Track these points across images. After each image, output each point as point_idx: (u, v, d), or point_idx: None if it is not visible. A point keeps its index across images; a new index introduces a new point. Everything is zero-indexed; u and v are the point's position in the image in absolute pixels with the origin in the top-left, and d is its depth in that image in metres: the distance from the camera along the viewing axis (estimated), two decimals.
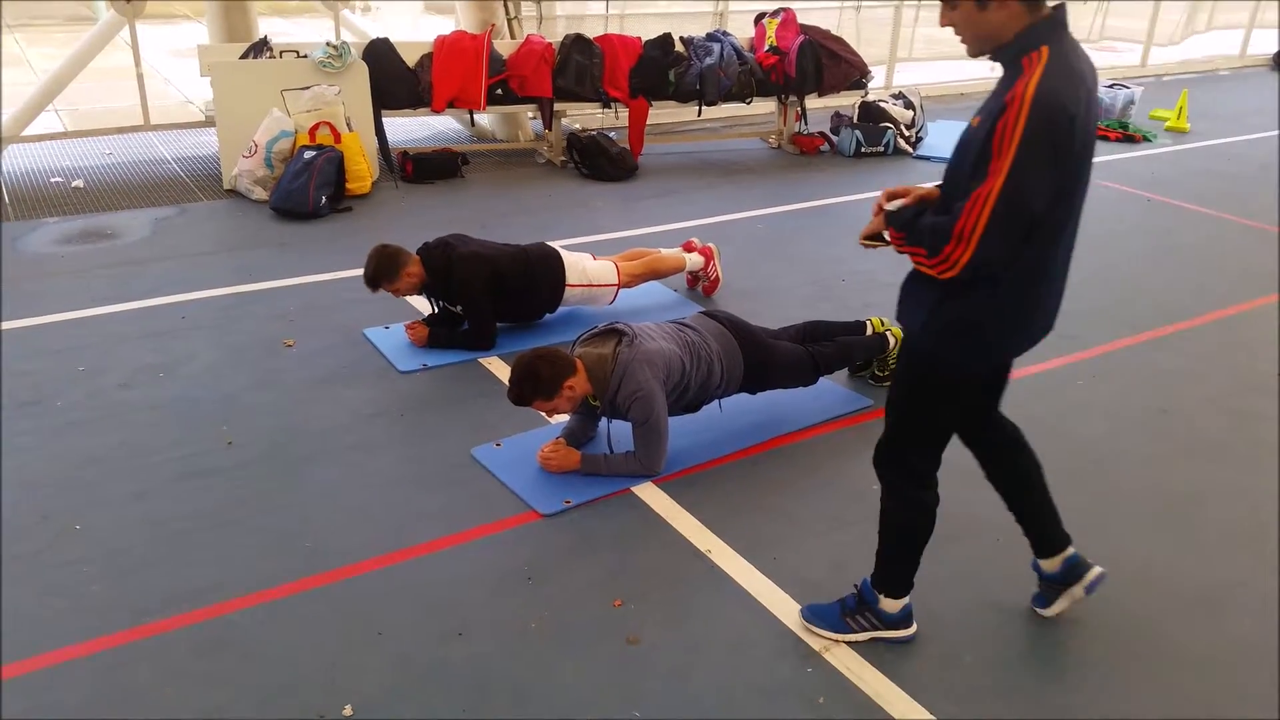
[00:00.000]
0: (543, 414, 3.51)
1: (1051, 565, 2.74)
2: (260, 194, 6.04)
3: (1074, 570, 2.72)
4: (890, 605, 2.63)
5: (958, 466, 3.46)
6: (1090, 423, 3.85)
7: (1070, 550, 2.74)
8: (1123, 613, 2.82)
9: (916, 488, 2.55)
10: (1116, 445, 3.71)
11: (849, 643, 2.65)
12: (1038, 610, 2.79)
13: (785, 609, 2.76)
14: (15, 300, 4.57)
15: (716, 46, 7.30)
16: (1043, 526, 2.75)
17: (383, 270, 4.11)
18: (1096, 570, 2.72)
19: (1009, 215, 2.05)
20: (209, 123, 6.58)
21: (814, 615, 2.69)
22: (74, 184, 6.31)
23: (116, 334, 4.27)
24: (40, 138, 6.77)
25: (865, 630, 2.64)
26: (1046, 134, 2.00)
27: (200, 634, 2.63)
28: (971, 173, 2.10)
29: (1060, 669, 2.63)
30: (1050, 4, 2.12)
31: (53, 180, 6.38)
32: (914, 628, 2.69)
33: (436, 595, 2.78)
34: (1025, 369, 4.21)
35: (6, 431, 3.52)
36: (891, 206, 2.38)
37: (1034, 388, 4.08)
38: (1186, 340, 4.60)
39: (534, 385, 3.15)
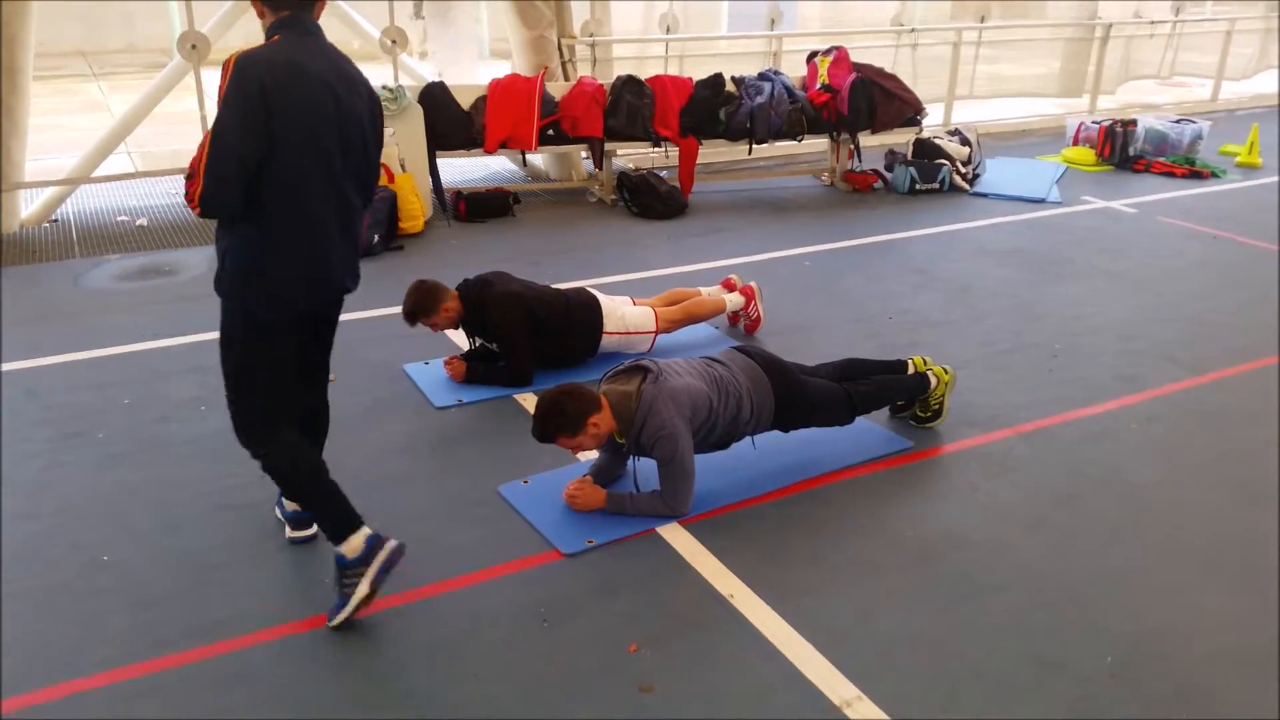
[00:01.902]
0: (569, 451, 3.47)
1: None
2: None
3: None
4: (352, 547, 2.72)
5: (999, 510, 3.35)
6: (1147, 469, 3.67)
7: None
8: (1170, 671, 2.65)
9: (270, 443, 2.82)
10: (1173, 493, 3.53)
11: (362, 602, 2.70)
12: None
13: (808, 660, 2.65)
14: (72, 335, 4.69)
15: (767, 85, 7.28)
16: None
17: (421, 305, 4.13)
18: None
19: (216, 153, 2.49)
20: None
21: (334, 612, 2.73)
22: (138, 222, 6.52)
23: (163, 369, 4.36)
24: (109, 178, 7.02)
25: (360, 581, 2.71)
26: (237, 90, 2.49)
27: (215, 669, 2.62)
28: None
29: None
30: (288, 11, 2.63)
31: (119, 219, 6.60)
32: (391, 543, 2.74)
33: (452, 635, 2.74)
34: (1077, 411, 4.06)
35: (49, 463, 3.60)
36: None
37: (1087, 431, 3.91)
38: (1249, 382, 4.38)
39: (557, 422, 3.11)
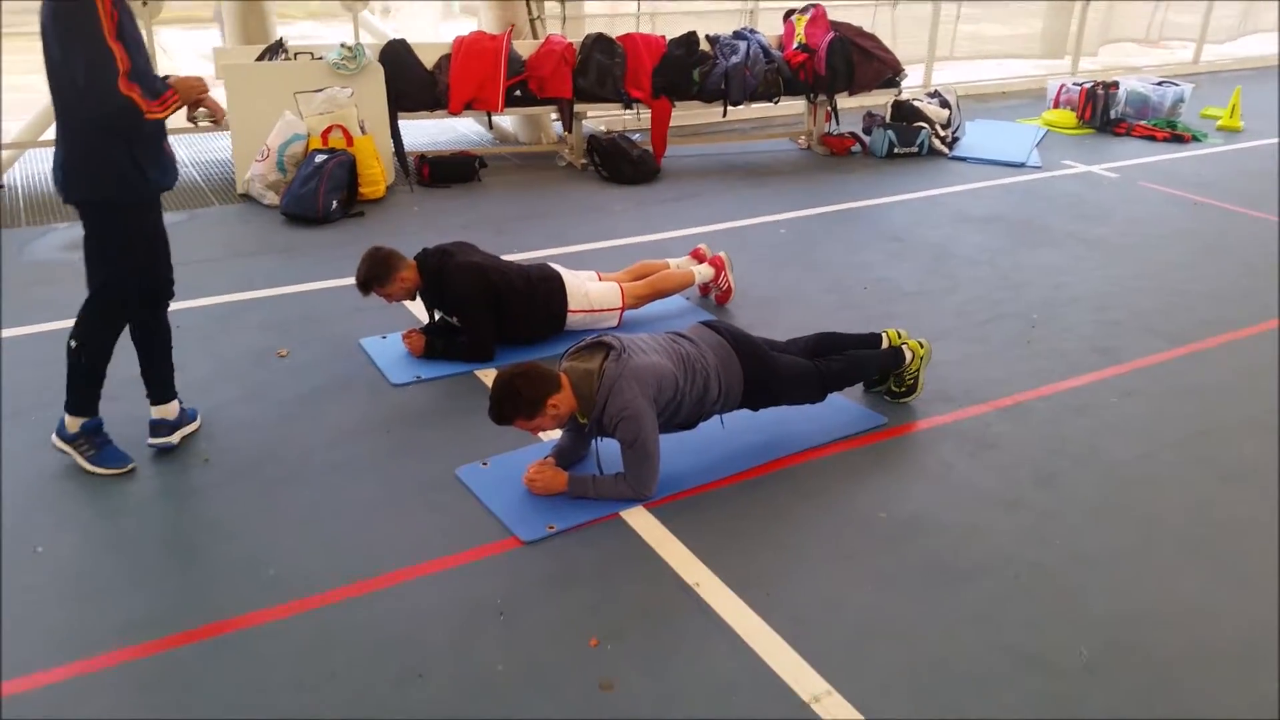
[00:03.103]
0: (529, 432, 3.32)
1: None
2: (272, 198, 5.94)
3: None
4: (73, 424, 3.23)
5: (975, 490, 3.24)
6: (1125, 445, 3.56)
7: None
8: (1148, 662, 2.55)
9: None
10: (1152, 470, 3.43)
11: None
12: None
13: (775, 652, 2.53)
14: (14, 308, 4.48)
15: (743, 45, 7.07)
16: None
17: (375, 274, 3.95)
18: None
19: None
20: (224, 126, 6.48)
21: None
22: None
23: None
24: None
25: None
26: None
27: (148, 668, 2.48)
28: None
29: None
30: None
31: None
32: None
33: (400, 631, 2.60)
34: (1055, 385, 3.95)
35: None
36: None
37: (1065, 405, 3.81)
38: (1230, 354, 4.29)
39: (514, 404, 2.96)
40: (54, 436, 3.30)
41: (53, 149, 3.10)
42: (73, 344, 3.21)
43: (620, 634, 2.59)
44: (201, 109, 3.21)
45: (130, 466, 3.30)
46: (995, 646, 2.59)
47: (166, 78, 3.12)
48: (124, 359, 3.35)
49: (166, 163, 3.18)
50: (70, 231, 5.45)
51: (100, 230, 3.13)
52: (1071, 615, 2.71)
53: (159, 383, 3.44)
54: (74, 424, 3.26)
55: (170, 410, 3.46)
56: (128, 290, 3.22)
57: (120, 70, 2.85)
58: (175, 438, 3.45)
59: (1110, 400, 3.86)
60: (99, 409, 3.31)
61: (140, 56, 2.99)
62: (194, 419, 3.56)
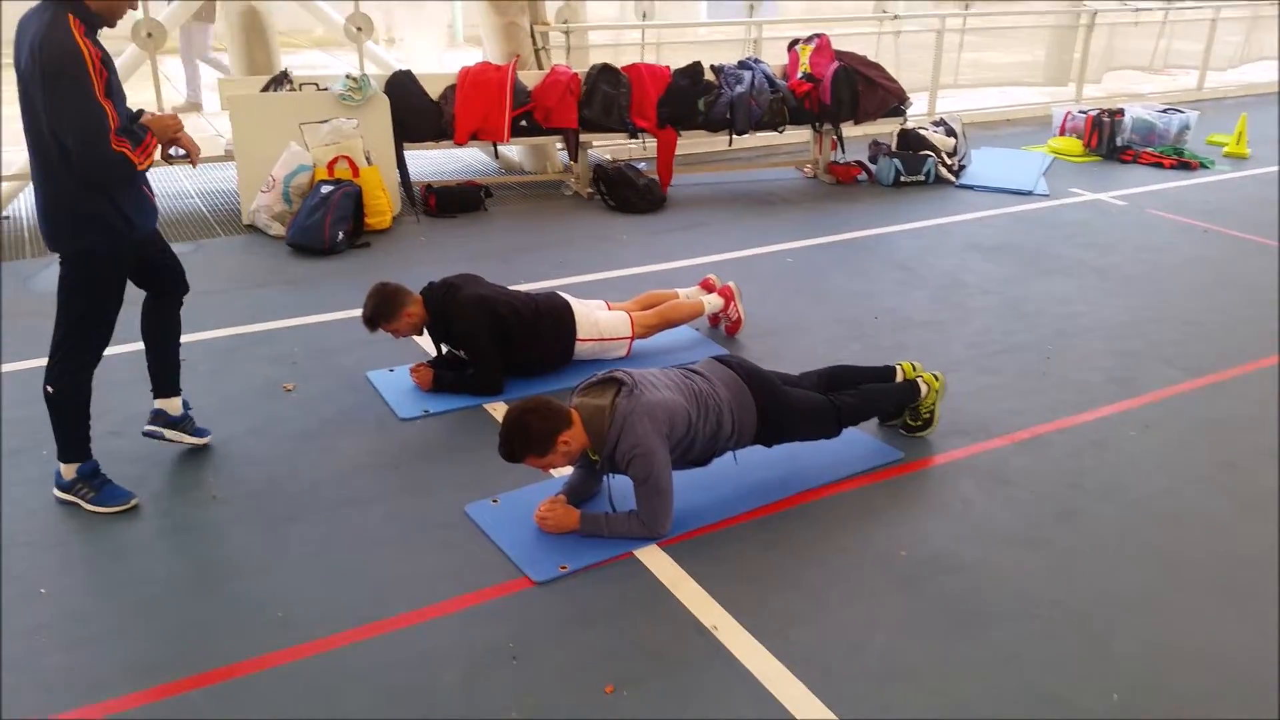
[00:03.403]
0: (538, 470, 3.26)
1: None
2: (278, 229, 5.91)
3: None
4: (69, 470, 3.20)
5: (995, 527, 3.18)
6: (1146, 479, 3.50)
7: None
8: (1180, 704, 2.48)
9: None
10: (1175, 504, 3.37)
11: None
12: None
13: (798, 700, 2.46)
14: (21, 341, 4.44)
15: (748, 74, 7.07)
16: None
17: (381, 310, 3.91)
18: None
19: None
20: (229, 157, 6.48)
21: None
22: None
23: (118, 378, 4.08)
24: None
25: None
26: None
27: (151, 714, 2.42)
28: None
29: None
30: None
31: None
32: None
33: (409, 677, 2.53)
34: (1072, 418, 3.89)
35: None
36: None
37: (1083, 438, 3.75)
38: (1248, 385, 4.22)
39: (525, 441, 2.90)
40: (54, 490, 3.27)
41: None
42: (49, 389, 3.18)
43: (637, 680, 2.53)
44: (175, 147, 3.17)
45: (133, 502, 3.25)
46: (1021, 690, 2.52)
47: (140, 113, 3.11)
48: (126, 395, 3.31)
49: (148, 207, 3.19)
50: None
51: (84, 275, 3.10)
52: (1098, 656, 2.64)
53: (164, 375, 3.52)
54: (69, 471, 3.25)
55: (173, 405, 3.53)
56: (102, 327, 3.19)
57: (111, 128, 2.84)
58: (169, 434, 3.52)
59: (1129, 433, 3.80)
60: (91, 451, 3.27)
61: (124, 109, 2.99)
62: (202, 436, 3.60)
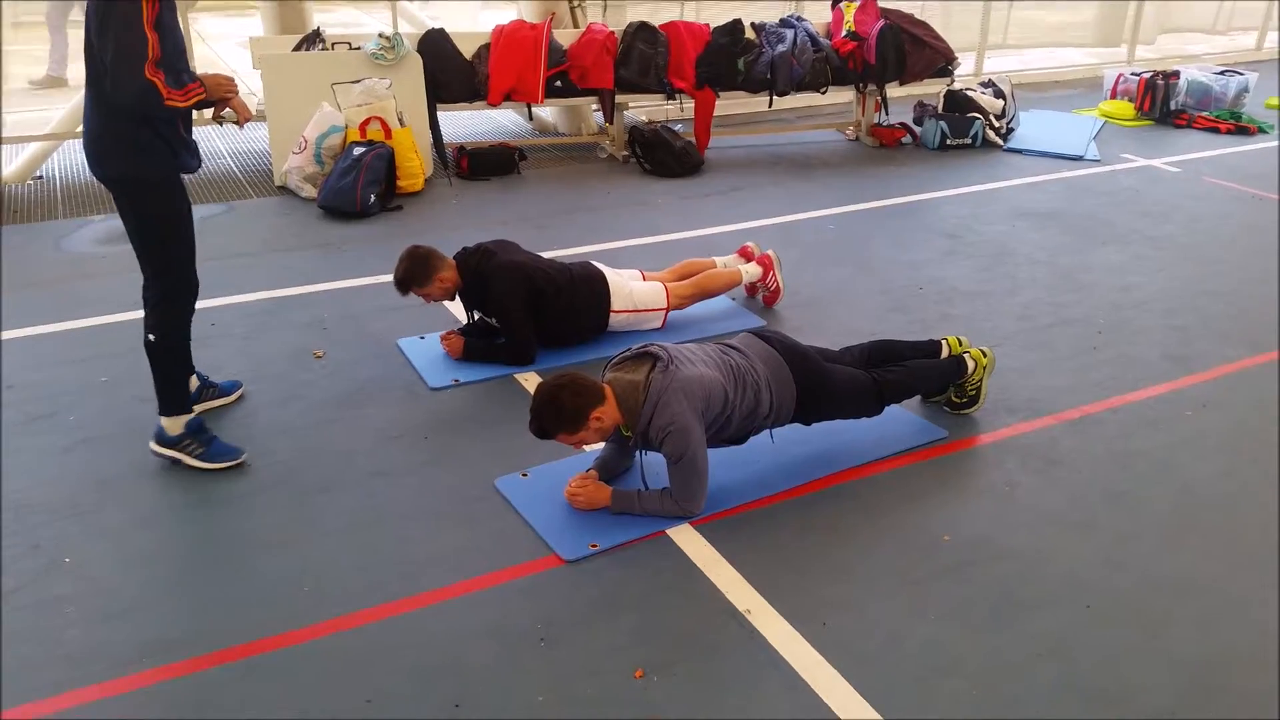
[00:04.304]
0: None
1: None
2: (310, 191, 5.84)
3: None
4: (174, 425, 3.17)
5: (1043, 510, 3.06)
6: (1203, 461, 3.36)
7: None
8: (1240, 703, 2.37)
9: None
10: (1234, 486, 3.23)
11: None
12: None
13: (834, 690, 2.37)
14: (50, 303, 4.42)
15: (790, 33, 6.87)
16: None
17: (413, 274, 3.82)
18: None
19: None
20: (261, 117, 6.40)
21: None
22: None
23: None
24: None
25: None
26: None
27: (176, 691, 2.38)
28: None
29: None
30: None
31: None
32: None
33: (437, 656, 2.48)
34: (1125, 396, 3.74)
35: (9, 448, 3.33)
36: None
37: (1138, 417, 3.60)
38: None
39: (556, 417, 2.81)
40: (152, 443, 3.24)
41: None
42: (151, 338, 3.17)
43: (667, 666, 2.45)
44: (228, 110, 3.14)
45: (243, 458, 3.26)
46: (1069, 685, 2.42)
47: (199, 76, 3.06)
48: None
49: (193, 149, 3.15)
50: (107, 224, 5.39)
51: (139, 210, 3.09)
52: (1151, 650, 2.53)
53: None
54: (176, 425, 3.22)
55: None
56: (186, 267, 3.19)
57: (149, 57, 2.82)
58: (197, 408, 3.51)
59: (1185, 412, 3.65)
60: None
61: (173, 49, 2.94)
62: (231, 391, 3.64)
